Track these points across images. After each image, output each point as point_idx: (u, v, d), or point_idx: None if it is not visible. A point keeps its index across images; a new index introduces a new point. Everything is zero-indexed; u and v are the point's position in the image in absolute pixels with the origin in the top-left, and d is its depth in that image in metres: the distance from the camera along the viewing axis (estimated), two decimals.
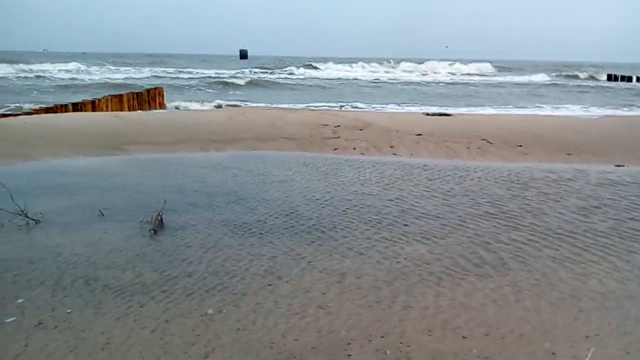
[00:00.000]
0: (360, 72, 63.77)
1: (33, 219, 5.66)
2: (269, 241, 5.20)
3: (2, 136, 10.80)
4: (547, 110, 26.70)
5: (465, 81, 54.75)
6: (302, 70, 61.78)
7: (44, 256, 4.75)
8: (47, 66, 53.08)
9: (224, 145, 11.14)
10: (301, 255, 4.84)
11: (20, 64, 52.89)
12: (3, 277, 4.28)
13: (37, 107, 16.80)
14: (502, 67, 77.08)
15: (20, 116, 13.69)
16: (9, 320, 3.60)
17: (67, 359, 3.14)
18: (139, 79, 43.81)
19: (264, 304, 3.87)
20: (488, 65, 74.15)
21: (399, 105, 29.31)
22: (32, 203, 6.03)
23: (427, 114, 17.75)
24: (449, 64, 73.16)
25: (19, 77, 43.91)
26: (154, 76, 45.86)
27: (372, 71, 65.20)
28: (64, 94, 30.52)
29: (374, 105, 28.45)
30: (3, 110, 18.47)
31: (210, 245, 5.07)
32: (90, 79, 43.14)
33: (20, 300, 3.89)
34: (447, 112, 20.13)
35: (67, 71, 50.78)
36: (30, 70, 49.22)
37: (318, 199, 6.70)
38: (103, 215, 5.92)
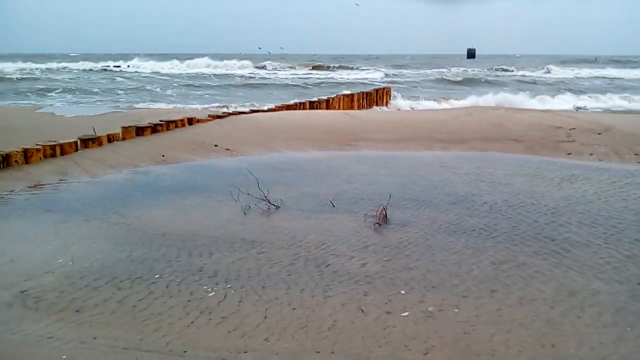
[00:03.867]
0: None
1: (274, 205, 6.30)
2: (492, 246, 5.04)
3: (253, 130, 12.18)
4: None
5: None
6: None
7: (282, 238, 5.26)
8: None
9: (449, 144, 11.04)
10: (526, 265, 4.60)
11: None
12: (250, 253, 4.85)
13: (279, 104, 18.59)
14: None
15: (267, 112, 15.28)
16: (251, 294, 4.06)
17: (299, 334, 3.44)
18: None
19: (486, 310, 3.78)
20: None
21: None
22: (274, 190, 6.71)
23: None
24: None
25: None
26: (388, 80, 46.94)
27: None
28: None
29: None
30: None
31: (432, 244, 5.09)
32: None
33: (261, 276, 4.36)
34: None
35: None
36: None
37: (547, 206, 6.28)
38: (333, 205, 6.33)
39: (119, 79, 42.58)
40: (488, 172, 8.21)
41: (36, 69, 52.04)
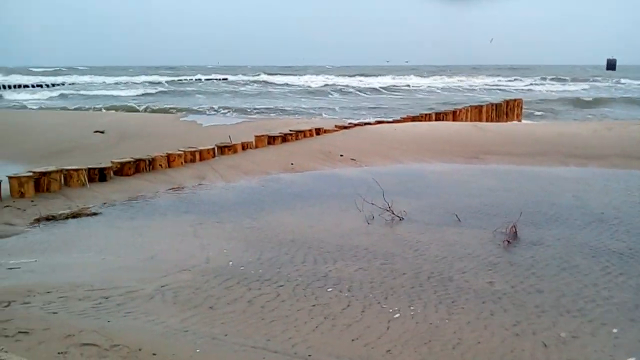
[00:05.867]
0: None
1: (398, 216, 6.29)
2: (636, 272, 4.65)
3: (378, 140, 12.24)
4: None
5: None
6: None
7: (405, 250, 5.24)
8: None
9: (586, 160, 10.35)
10: None
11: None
12: (373, 263, 4.88)
13: (404, 115, 18.50)
14: None
15: (392, 124, 15.28)
16: (374, 304, 4.09)
17: (422, 349, 3.41)
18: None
19: (626, 340, 3.50)
20: None
21: None
22: (398, 201, 6.70)
23: None
24: None
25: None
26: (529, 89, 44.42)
27: None
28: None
29: None
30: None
31: (566, 265, 4.80)
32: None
33: (384, 287, 4.37)
34: None
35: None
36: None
37: None
38: (459, 220, 6.19)
39: (274, 91, 44.26)
40: (631, 191, 7.59)
41: (180, 80, 56.05)
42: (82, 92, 40.87)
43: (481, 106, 22.90)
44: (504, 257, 5.04)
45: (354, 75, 63.69)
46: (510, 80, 54.89)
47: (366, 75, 63.59)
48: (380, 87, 46.77)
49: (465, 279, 4.51)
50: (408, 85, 49.51)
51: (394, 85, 49.36)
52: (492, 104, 23.77)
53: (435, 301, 4.09)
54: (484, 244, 5.41)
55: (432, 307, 3.99)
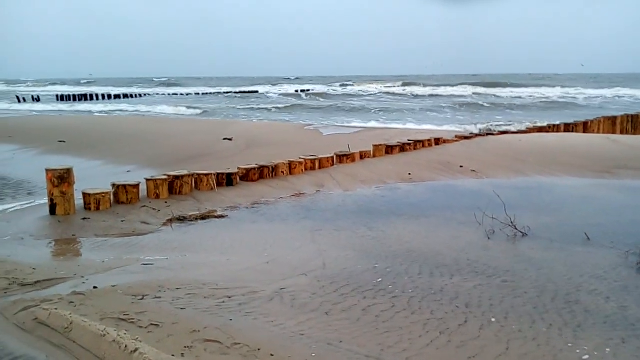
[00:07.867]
0: None
1: (521, 231, 6.03)
2: None
3: (500, 152, 11.82)
4: None
5: None
6: None
7: (528, 268, 5.01)
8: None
9: None
10: None
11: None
12: (492, 280, 4.72)
13: (531, 126, 17.72)
14: None
15: (517, 134, 14.70)
16: (493, 323, 3.95)
17: None
18: None
19: None
20: None
21: None
22: (521, 216, 6.42)
23: None
24: None
25: None
26: None
27: None
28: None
29: None
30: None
31: None
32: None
33: (504, 306, 4.21)
34: None
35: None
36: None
37: None
38: (588, 238, 5.81)
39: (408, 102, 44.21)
40: None
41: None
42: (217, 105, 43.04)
43: (615, 117, 21.35)
44: (638, 281, 4.66)
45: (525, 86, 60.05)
46: None
47: (515, 86, 60.18)
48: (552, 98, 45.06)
49: (594, 302, 4.22)
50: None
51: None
52: (627, 115, 22.08)
53: (559, 324, 3.87)
54: (616, 266, 5.03)
55: (556, 329, 3.78)
